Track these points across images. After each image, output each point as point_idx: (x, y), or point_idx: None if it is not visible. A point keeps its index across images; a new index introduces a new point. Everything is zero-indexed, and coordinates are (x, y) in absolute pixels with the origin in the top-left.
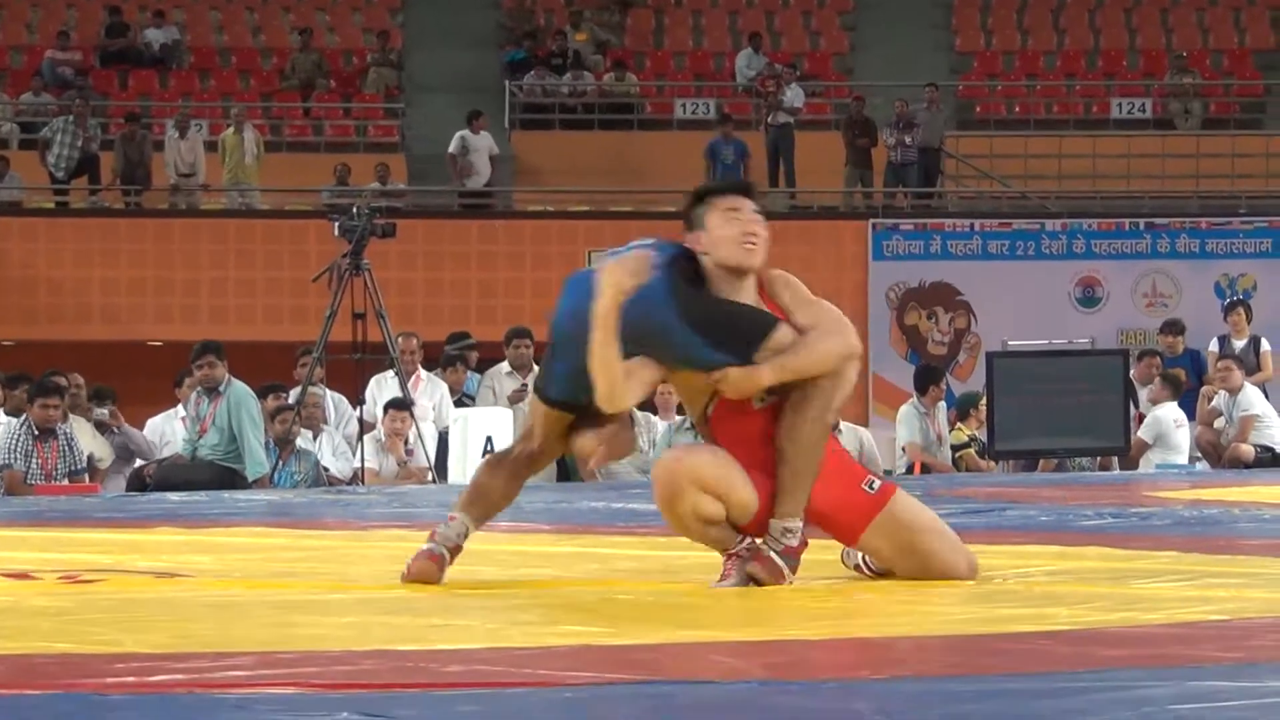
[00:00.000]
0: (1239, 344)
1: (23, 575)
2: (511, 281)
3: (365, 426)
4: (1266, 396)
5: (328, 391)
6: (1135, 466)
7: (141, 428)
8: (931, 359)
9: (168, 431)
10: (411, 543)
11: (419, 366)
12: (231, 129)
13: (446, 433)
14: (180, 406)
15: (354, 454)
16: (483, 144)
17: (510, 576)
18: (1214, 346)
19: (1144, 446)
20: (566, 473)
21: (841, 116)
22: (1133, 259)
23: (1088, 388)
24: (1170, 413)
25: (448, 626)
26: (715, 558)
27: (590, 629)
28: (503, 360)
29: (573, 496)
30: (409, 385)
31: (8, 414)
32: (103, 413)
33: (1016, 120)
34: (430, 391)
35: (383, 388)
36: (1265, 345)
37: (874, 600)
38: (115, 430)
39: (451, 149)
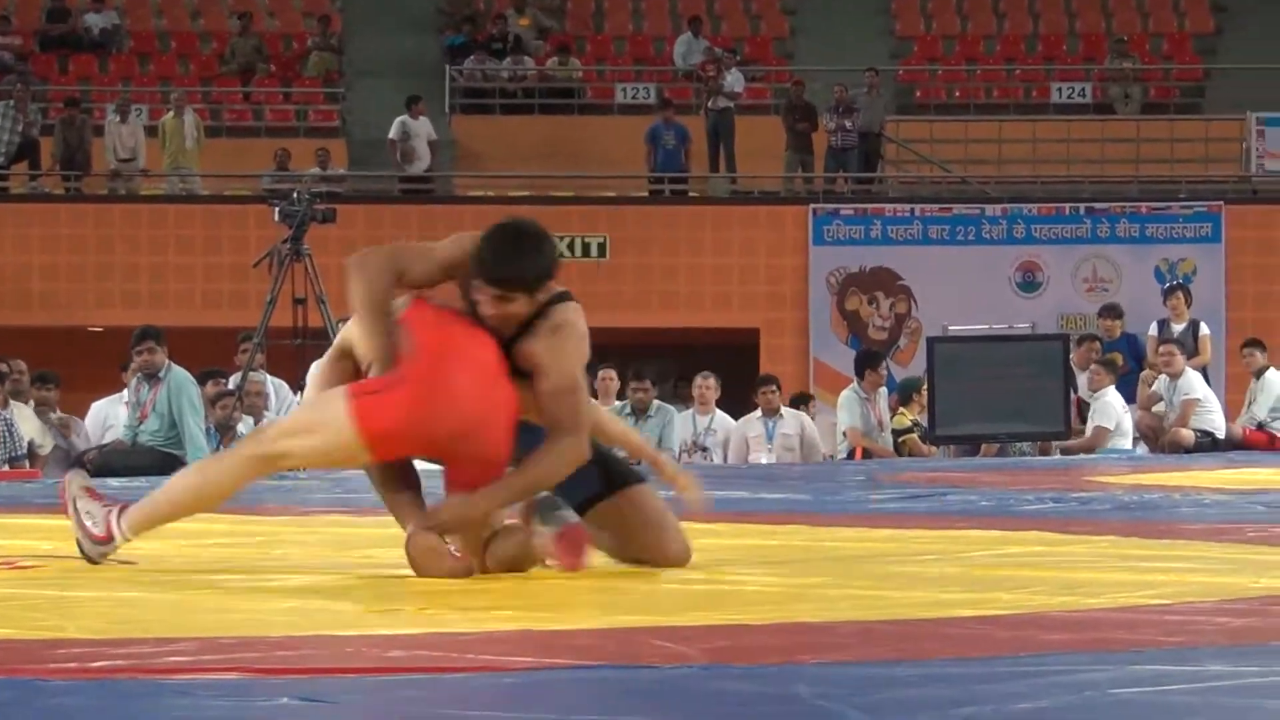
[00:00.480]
0: (1178, 328)
1: None
2: None
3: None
4: (1206, 380)
5: (268, 377)
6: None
7: (83, 413)
8: (872, 344)
9: (111, 415)
10: (352, 528)
11: None
12: (171, 113)
13: None
14: (125, 391)
15: None
16: (422, 129)
17: None
18: (1153, 330)
19: (1106, 434)
20: None
21: (781, 101)
22: (1073, 244)
23: (1028, 372)
24: (1118, 398)
25: (388, 612)
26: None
27: (531, 614)
28: None
29: None
30: None
31: None
32: (46, 394)
33: (956, 105)
34: None
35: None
36: (1204, 329)
37: (815, 584)
38: (55, 417)
39: (392, 134)
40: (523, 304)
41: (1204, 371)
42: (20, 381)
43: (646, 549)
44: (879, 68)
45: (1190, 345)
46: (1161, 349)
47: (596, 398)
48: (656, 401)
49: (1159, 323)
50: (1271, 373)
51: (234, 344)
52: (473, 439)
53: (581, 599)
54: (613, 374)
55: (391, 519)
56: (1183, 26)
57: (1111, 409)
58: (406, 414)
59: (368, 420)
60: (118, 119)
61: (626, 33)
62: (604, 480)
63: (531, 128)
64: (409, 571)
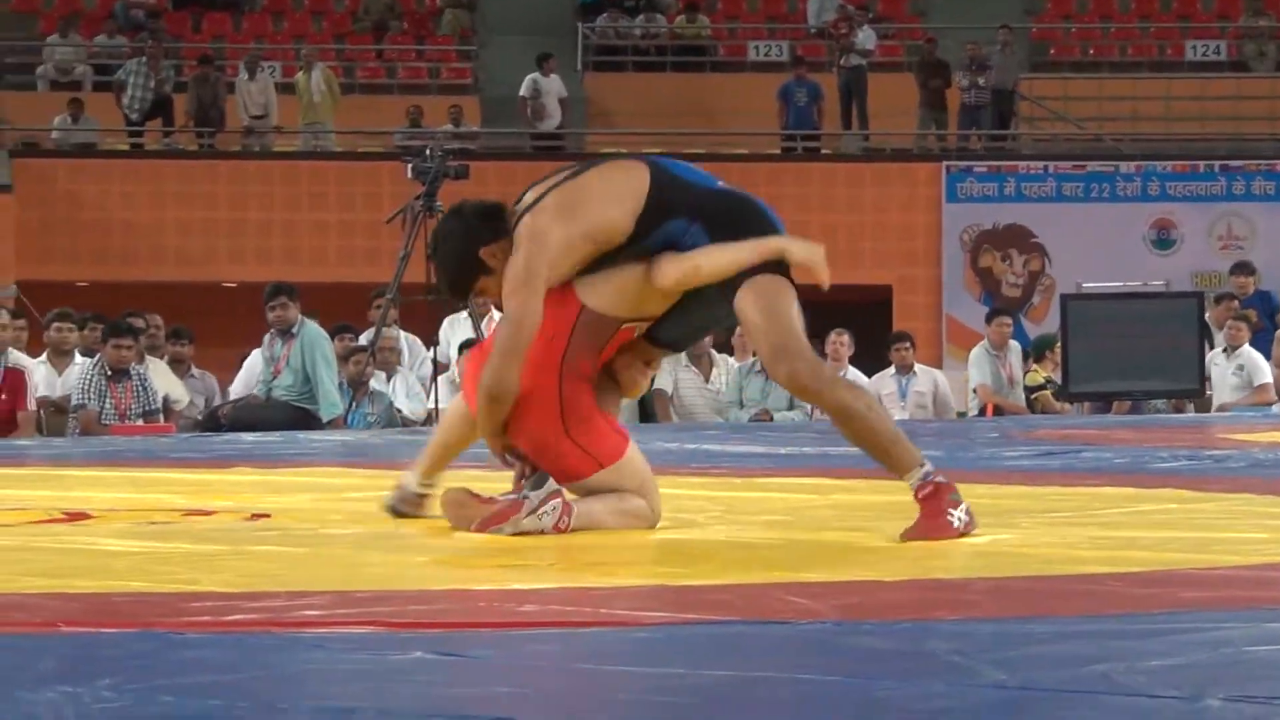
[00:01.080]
0: None
1: (87, 515)
2: None
3: (439, 367)
4: None
5: (402, 333)
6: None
7: (217, 369)
8: (1006, 301)
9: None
10: (483, 483)
11: (491, 307)
12: (302, 70)
13: None
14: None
15: (428, 395)
16: (553, 86)
17: None
18: None
19: (1269, 389)
20: (647, 414)
21: (914, 59)
22: (1208, 201)
23: (1163, 330)
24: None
25: (521, 567)
26: (782, 501)
27: (663, 569)
28: None
29: (647, 437)
30: (482, 326)
31: (82, 354)
32: (181, 350)
33: (1090, 62)
34: None
35: (455, 328)
36: None
37: (947, 542)
38: (192, 373)
39: (523, 91)
40: (489, 287)
41: None
42: (156, 337)
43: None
44: (1012, 25)
45: None
46: None
47: (733, 353)
48: None
49: None
50: None
51: (367, 300)
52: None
53: (712, 555)
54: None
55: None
56: None
57: (1259, 363)
58: None
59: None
60: (247, 76)
61: None
62: None
63: (663, 85)
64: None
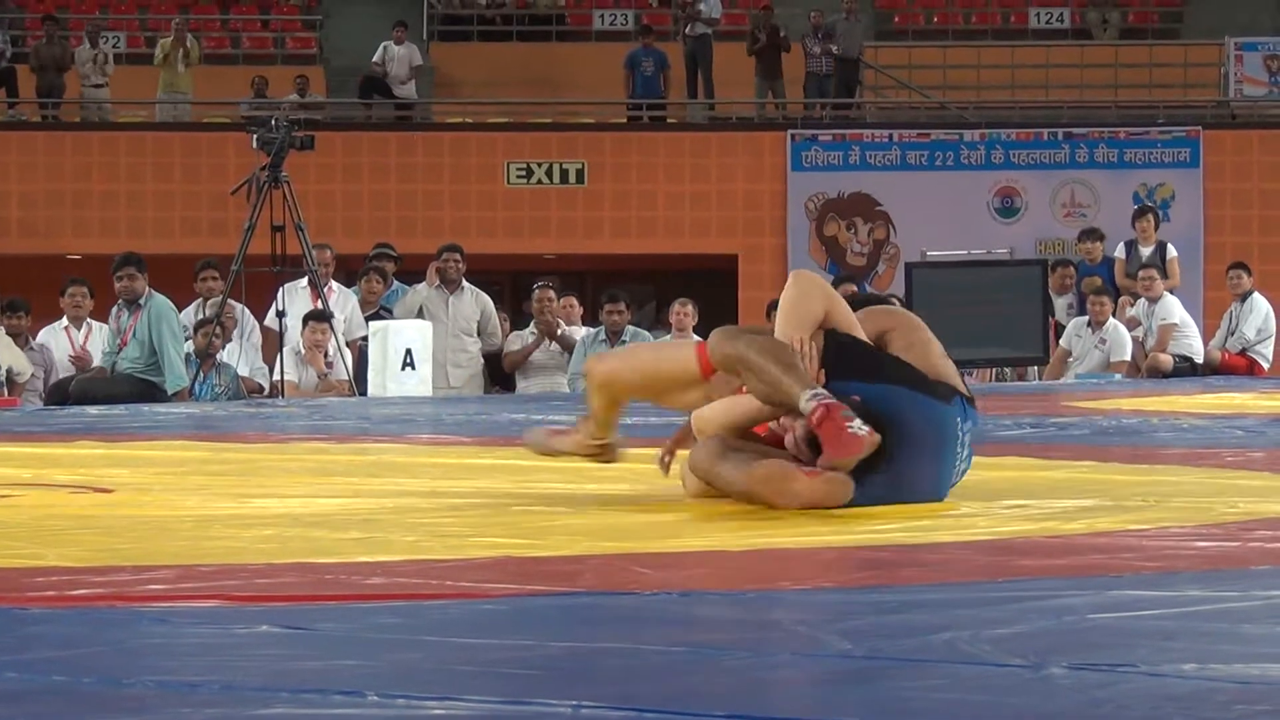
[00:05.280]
0: (1146, 251)
1: None
2: (430, 194)
3: (266, 333)
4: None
5: (237, 304)
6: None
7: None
8: (851, 270)
9: (52, 343)
10: (331, 455)
11: (330, 279)
12: (172, 39)
13: (362, 344)
14: (64, 318)
15: (260, 359)
16: (406, 55)
17: (430, 489)
18: (1120, 253)
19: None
20: (501, 382)
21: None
22: (1051, 169)
23: (1007, 298)
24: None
25: (367, 539)
26: (627, 472)
27: (510, 540)
28: (427, 270)
29: (493, 409)
30: (326, 296)
31: None
32: (17, 322)
33: (935, 30)
34: (341, 304)
35: (292, 297)
36: (1172, 252)
37: (794, 514)
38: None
39: (375, 59)
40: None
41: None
42: None
43: None
44: None
45: (1159, 268)
46: (1143, 272)
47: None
48: (631, 326)
49: (1126, 245)
50: (1257, 296)
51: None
52: None
53: (559, 526)
54: (573, 300)
55: (361, 444)
56: None
57: (1123, 339)
58: None
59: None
60: (88, 45)
61: None
62: None
63: (510, 54)
64: (388, 498)
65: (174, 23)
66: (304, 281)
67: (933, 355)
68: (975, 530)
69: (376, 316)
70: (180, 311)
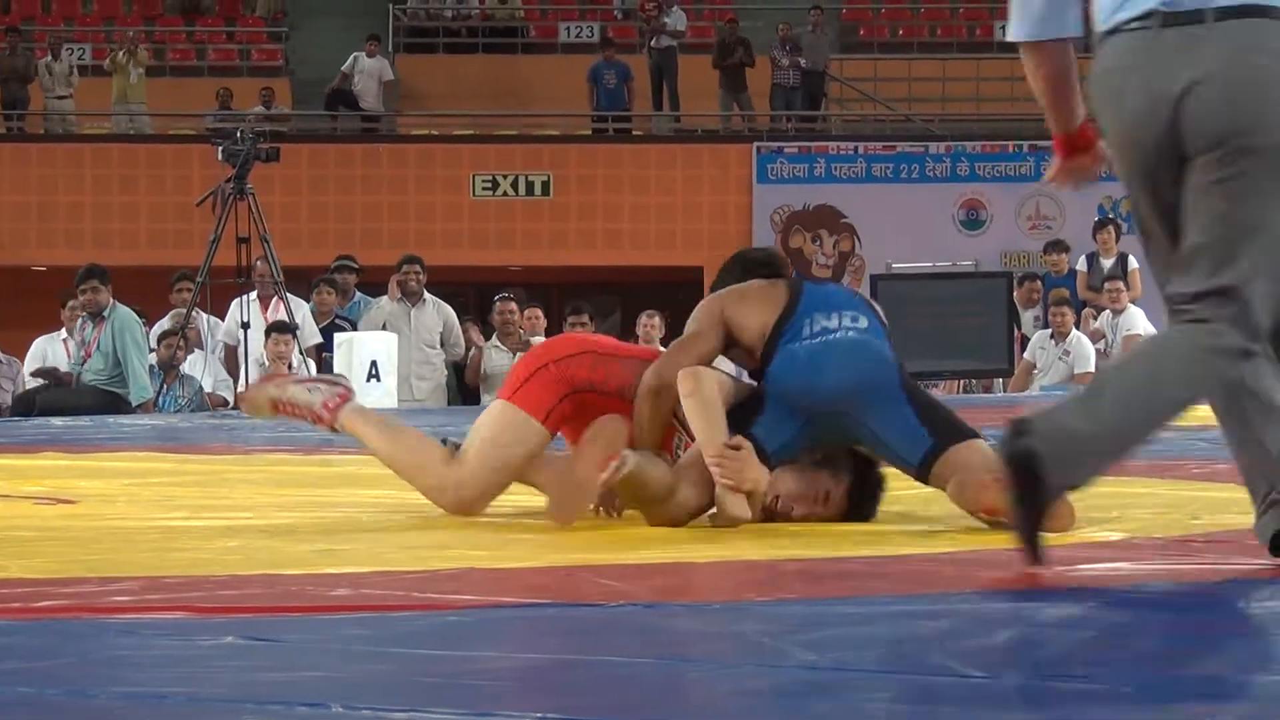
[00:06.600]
0: (1107, 263)
1: None
2: (396, 205)
3: (226, 349)
4: None
5: (204, 315)
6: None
7: (25, 351)
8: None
9: (50, 353)
10: (296, 466)
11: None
12: (125, 51)
13: (327, 356)
14: (63, 329)
15: (224, 371)
16: (375, 68)
17: (396, 501)
18: (1081, 265)
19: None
20: (463, 396)
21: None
22: (1016, 181)
23: (972, 310)
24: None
25: (333, 551)
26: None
27: (475, 552)
28: (389, 282)
29: (460, 421)
30: (271, 307)
31: None
32: None
33: (900, 43)
34: (294, 314)
35: (243, 308)
36: (1134, 263)
37: (762, 526)
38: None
39: (344, 68)
40: None
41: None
42: None
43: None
44: (823, 5)
45: (1122, 279)
46: (1108, 284)
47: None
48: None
49: (1088, 257)
50: None
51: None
52: None
53: (525, 538)
54: (538, 312)
55: (326, 456)
56: None
57: (1086, 351)
58: None
59: None
60: (50, 57)
61: None
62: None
63: (475, 67)
64: (353, 509)
65: (129, 35)
66: (254, 294)
67: (755, 316)
68: (940, 543)
69: (333, 328)
70: (155, 323)
